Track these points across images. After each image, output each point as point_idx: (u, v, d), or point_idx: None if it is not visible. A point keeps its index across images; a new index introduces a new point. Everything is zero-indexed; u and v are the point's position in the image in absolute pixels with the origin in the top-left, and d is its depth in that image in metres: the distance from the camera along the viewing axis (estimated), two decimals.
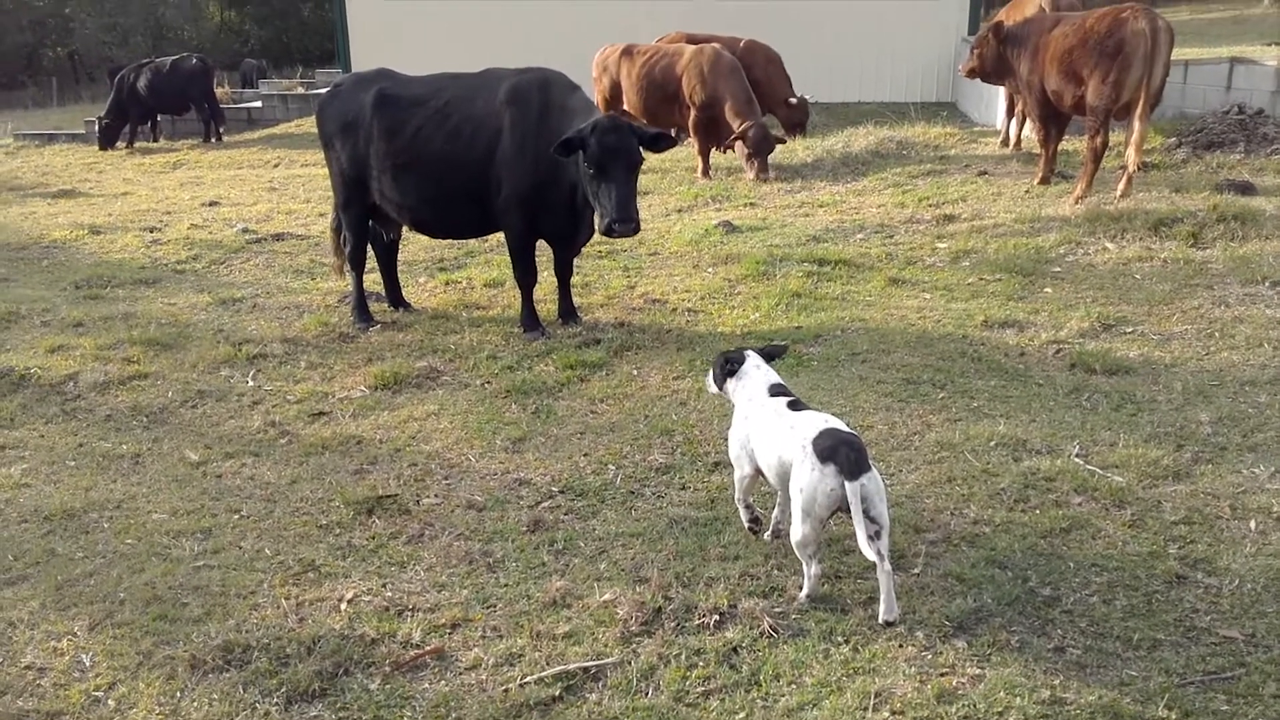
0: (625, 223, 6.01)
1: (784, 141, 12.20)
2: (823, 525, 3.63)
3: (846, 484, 3.43)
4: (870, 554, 3.43)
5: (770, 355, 4.28)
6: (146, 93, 18.62)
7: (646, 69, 12.40)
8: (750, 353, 4.22)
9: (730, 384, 4.18)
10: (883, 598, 3.55)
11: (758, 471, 3.97)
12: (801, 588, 3.75)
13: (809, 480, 3.54)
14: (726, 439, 4.19)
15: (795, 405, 3.90)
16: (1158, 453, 4.70)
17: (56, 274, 9.37)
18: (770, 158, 11.70)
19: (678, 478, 4.81)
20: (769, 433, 3.83)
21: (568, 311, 7.13)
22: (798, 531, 3.61)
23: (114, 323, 7.59)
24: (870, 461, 3.54)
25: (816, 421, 3.69)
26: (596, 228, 6.26)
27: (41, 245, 10.70)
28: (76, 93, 35.49)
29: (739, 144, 11.58)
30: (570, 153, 6.07)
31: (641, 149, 6.17)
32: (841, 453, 3.48)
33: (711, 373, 4.31)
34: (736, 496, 4.16)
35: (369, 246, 7.55)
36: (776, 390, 4.02)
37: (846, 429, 3.68)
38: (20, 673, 3.63)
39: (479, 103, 6.70)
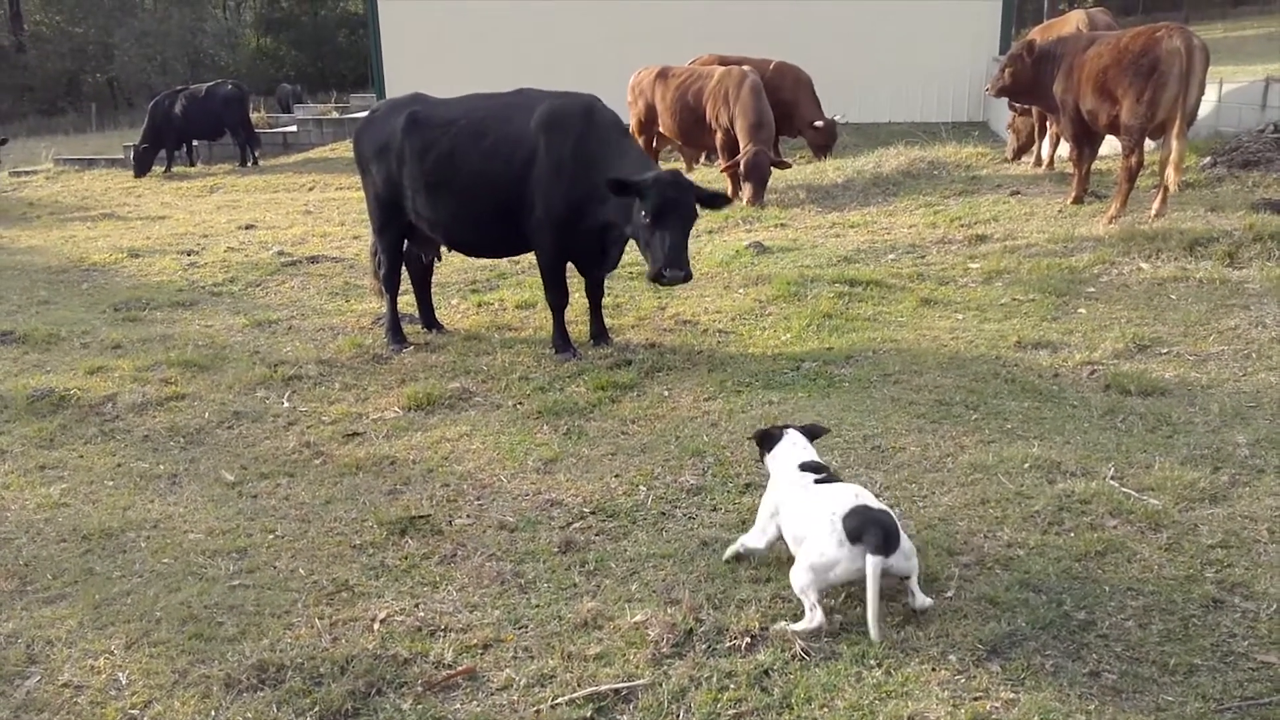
0: (676, 270, 6.11)
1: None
2: (830, 586, 3.68)
3: (869, 558, 3.47)
4: (875, 633, 3.52)
5: (813, 435, 4.29)
6: (183, 118, 18.90)
7: (680, 92, 12.46)
8: (791, 430, 4.24)
9: (766, 458, 4.25)
10: (915, 598, 3.66)
11: (779, 538, 4.00)
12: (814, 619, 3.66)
13: (835, 555, 3.57)
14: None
15: (824, 480, 3.94)
16: (1194, 475, 4.65)
17: (96, 296, 9.52)
18: (801, 179, 11.68)
19: (709, 499, 4.81)
20: (797, 505, 3.88)
21: (599, 333, 7.16)
22: (802, 577, 3.65)
23: (152, 344, 7.69)
24: (900, 530, 3.59)
25: (846, 496, 3.70)
26: (647, 274, 6.34)
27: (81, 268, 10.88)
28: (115, 118, 36.05)
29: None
30: (623, 194, 6.16)
31: (698, 206, 6.31)
32: (871, 532, 3.52)
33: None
34: (745, 549, 4.12)
35: (403, 269, 7.63)
36: (807, 466, 4.04)
37: (876, 503, 3.70)
38: (58, 690, 3.66)
39: (515, 122, 6.76)
